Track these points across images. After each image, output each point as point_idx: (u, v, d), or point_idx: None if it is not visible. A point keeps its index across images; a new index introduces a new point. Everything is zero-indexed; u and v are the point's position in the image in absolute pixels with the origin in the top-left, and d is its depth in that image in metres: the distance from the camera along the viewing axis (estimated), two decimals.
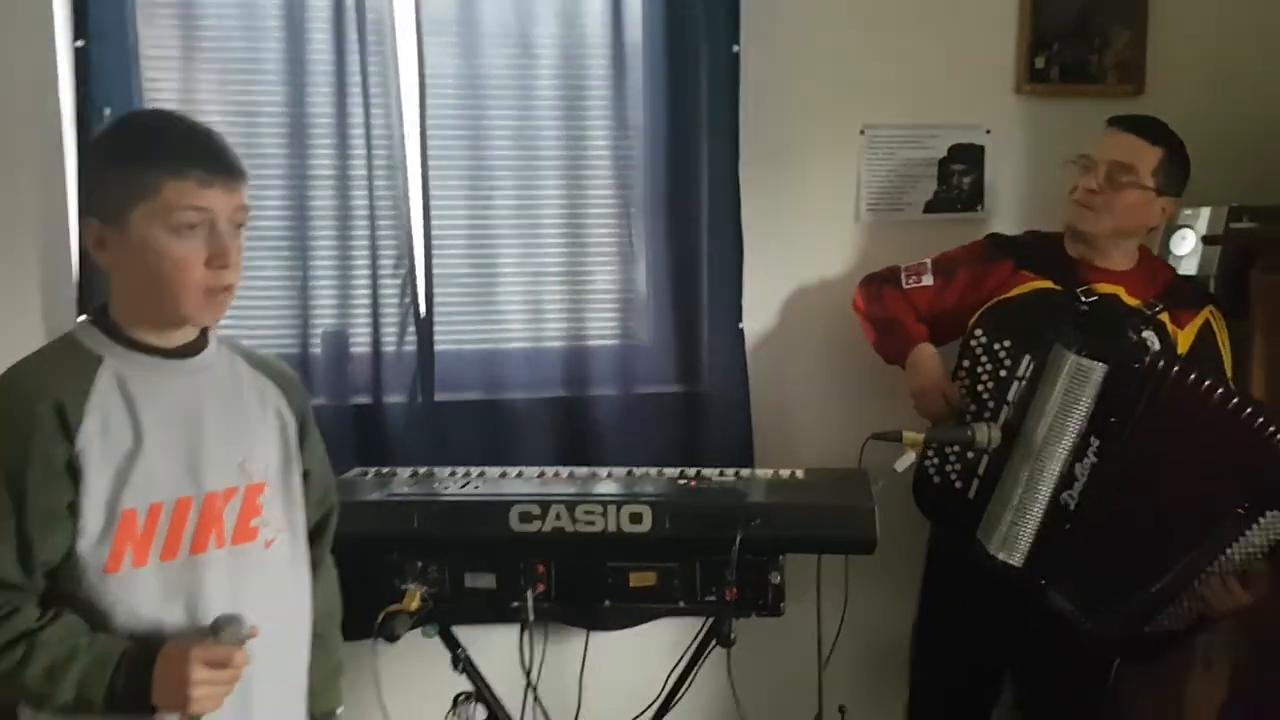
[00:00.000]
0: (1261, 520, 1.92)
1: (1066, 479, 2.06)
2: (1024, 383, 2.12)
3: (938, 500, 2.25)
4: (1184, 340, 2.22)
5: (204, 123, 1.48)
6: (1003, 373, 2.16)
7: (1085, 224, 2.26)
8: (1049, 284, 2.26)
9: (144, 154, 1.38)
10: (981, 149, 2.65)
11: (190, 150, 1.40)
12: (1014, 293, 2.27)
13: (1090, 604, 2.07)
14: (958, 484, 2.21)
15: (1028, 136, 2.69)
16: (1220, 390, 1.97)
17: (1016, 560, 2.09)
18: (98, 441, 1.36)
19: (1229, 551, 1.94)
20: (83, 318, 1.49)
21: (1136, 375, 2.02)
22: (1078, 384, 2.04)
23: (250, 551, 1.48)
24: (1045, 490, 2.07)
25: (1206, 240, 2.43)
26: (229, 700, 1.40)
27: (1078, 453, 2.04)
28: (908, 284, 2.41)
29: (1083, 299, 2.22)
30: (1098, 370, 2.03)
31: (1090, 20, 2.68)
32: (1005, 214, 2.69)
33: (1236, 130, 2.59)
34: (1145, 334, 2.19)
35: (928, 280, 2.39)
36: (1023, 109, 2.64)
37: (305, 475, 1.63)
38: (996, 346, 2.19)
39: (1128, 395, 2.01)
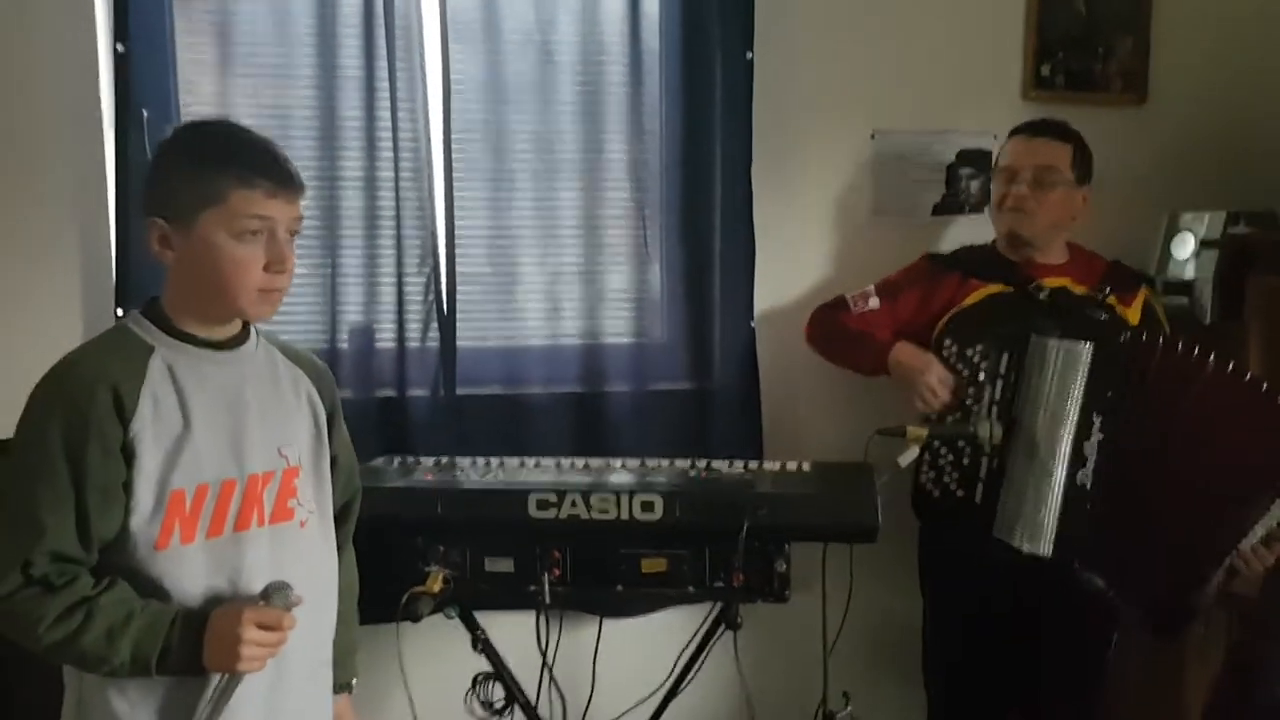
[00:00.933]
0: None
1: (1077, 460, 2.12)
2: (1007, 380, 2.18)
3: (944, 513, 2.30)
4: (1133, 317, 2.33)
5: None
6: (981, 375, 2.23)
7: (1024, 227, 2.37)
8: (1000, 287, 2.34)
9: (216, 163, 1.48)
10: (989, 154, 2.72)
11: (259, 163, 1.50)
12: (970, 300, 2.35)
13: (1123, 581, 2.14)
14: (959, 492, 2.26)
15: None
16: (1215, 358, 2.06)
17: (1045, 549, 2.14)
18: (150, 425, 1.46)
19: (1257, 527, 2.03)
20: (134, 311, 1.58)
21: (1123, 349, 2.10)
22: (1068, 367, 2.11)
23: (287, 531, 1.58)
24: (1059, 474, 2.12)
25: (1204, 244, 2.50)
26: (267, 667, 1.49)
27: (1082, 432, 2.11)
28: (856, 309, 2.48)
29: (1038, 292, 2.29)
30: (1085, 349, 2.10)
31: (1094, 29, 2.76)
32: None
33: (1236, 137, 2.67)
34: (1103, 316, 2.27)
35: (874, 304, 2.46)
36: (1029, 114, 2.68)
37: (333, 461, 1.72)
38: (969, 352, 2.25)
39: (1118, 369, 2.09)
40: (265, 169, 1.49)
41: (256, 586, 1.50)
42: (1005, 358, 2.20)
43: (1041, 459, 2.13)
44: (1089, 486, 2.12)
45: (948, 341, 2.30)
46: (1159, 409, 2.09)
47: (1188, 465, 2.07)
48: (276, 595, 1.48)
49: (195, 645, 1.44)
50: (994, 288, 2.35)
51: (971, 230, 2.65)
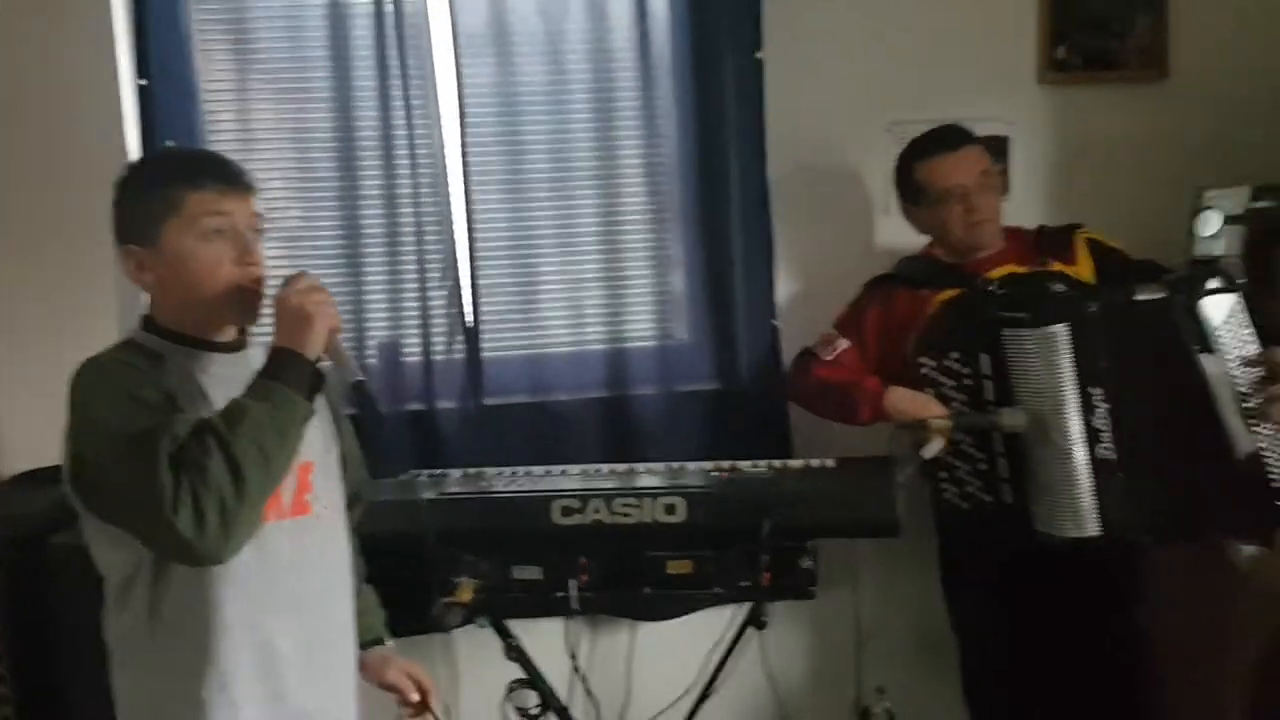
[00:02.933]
0: (1220, 342, 2.04)
1: (1093, 435, 2.09)
2: (995, 379, 2.16)
3: (978, 522, 2.25)
4: (1085, 270, 2.33)
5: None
6: (967, 382, 2.20)
7: (989, 236, 2.38)
8: (952, 291, 2.31)
9: (166, 176, 1.56)
10: (1006, 140, 2.70)
11: (205, 167, 1.59)
12: (930, 313, 2.31)
13: (1188, 525, 2.13)
14: (988, 498, 2.22)
15: (1052, 126, 2.73)
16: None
17: (1094, 530, 2.09)
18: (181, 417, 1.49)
19: (1235, 380, 2.04)
20: (132, 328, 1.61)
21: (1096, 318, 2.09)
22: (1050, 351, 2.08)
23: (305, 524, 1.61)
24: (1081, 454, 2.09)
25: (1229, 220, 2.46)
26: (296, 636, 1.56)
27: (1087, 408, 2.08)
28: (829, 356, 2.43)
29: (989, 287, 2.27)
30: (1060, 331, 2.08)
31: (1110, 8, 2.72)
32: (1032, 203, 2.72)
33: (1260, 111, 2.61)
34: (1057, 287, 2.24)
35: (844, 344, 2.42)
36: (1046, 99, 2.68)
37: (343, 456, 1.76)
38: (948, 363, 2.22)
39: (1096, 337, 2.08)
40: (211, 171, 1.57)
41: (279, 579, 1.54)
42: (985, 358, 2.17)
43: (1057, 445, 2.10)
44: (1115, 458, 2.09)
45: (923, 359, 2.25)
46: (1144, 354, 2.08)
47: (1157, 386, 2.09)
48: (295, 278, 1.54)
49: (287, 355, 1.48)
50: (947, 292, 2.32)
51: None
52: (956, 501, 2.26)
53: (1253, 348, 2.07)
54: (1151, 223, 2.54)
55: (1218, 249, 2.48)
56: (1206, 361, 2.07)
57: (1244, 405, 2.06)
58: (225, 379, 1.56)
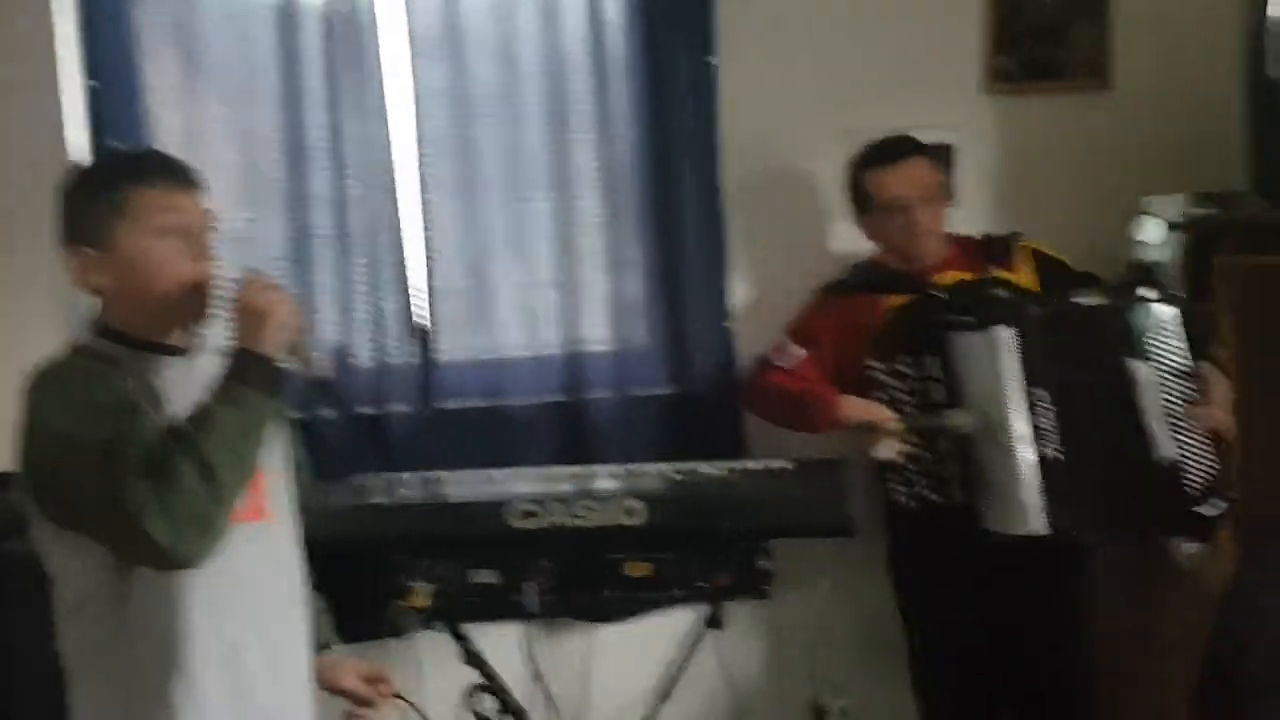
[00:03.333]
0: (1152, 352, 2.13)
1: (1039, 435, 2.14)
2: (945, 381, 2.20)
3: (930, 523, 2.28)
4: (1025, 278, 2.38)
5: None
6: (916, 385, 2.25)
7: (932, 246, 2.42)
8: (900, 298, 2.36)
9: (115, 177, 1.54)
10: (950, 148, 2.73)
11: (152, 165, 1.57)
12: (882, 318, 2.35)
13: (1122, 526, 2.19)
14: (935, 498, 2.25)
15: (997, 134, 2.78)
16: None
17: (1041, 527, 2.13)
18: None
19: (1165, 385, 2.12)
20: (83, 334, 1.58)
21: (1039, 322, 2.15)
22: (994, 354, 2.14)
23: (261, 527, 1.58)
24: (1027, 454, 2.14)
25: (1171, 227, 2.52)
26: (258, 638, 1.55)
27: (1032, 409, 2.13)
28: (785, 364, 2.45)
29: (937, 292, 2.32)
30: (1005, 334, 2.13)
31: (1054, 18, 2.77)
32: (977, 210, 2.76)
33: (1199, 120, 2.67)
34: (1000, 292, 2.31)
35: (799, 351, 2.45)
36: (991, 108, 2.73)
37: (294, 461, 1.74)
38: (897, 367, 2.27)
39: (1038, 340, 2.13)
40: (158, 168, 1.55)
41: (240, 583, 1.53)
42: (933, 361, 2.22)
43: (1004, 445, 2.14)
44: (1060, 457, 2.14)
45: (873, 363, 2.29)
46: (1084, 363, 2.14)
47: (1093, 390, 2.16)
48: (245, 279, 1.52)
49: (246, 357, 1.46)
50: (896, 298, 2.37)
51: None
52: (906, 502, 2.28)
53: (1184, 360, 2.15)
54: (1094, 229, 2.59)
55: (1158, 255, 2.55)
56: (1136, 367, 2.13)
57: (1169, 414, 2.13)
58: (180, 382, 1.54)
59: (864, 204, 2.48)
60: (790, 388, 2.41)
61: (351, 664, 1.84)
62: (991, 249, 2.45)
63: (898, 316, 2.34)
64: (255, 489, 1.58)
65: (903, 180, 2.40)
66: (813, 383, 2.39)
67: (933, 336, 2.22)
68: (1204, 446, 2.16)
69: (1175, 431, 2.15)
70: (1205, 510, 2.17)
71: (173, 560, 1.39)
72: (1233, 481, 2.19)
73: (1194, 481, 2.16)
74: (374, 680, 1.81)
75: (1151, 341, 2.14)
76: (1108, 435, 2.16)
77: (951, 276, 2.38)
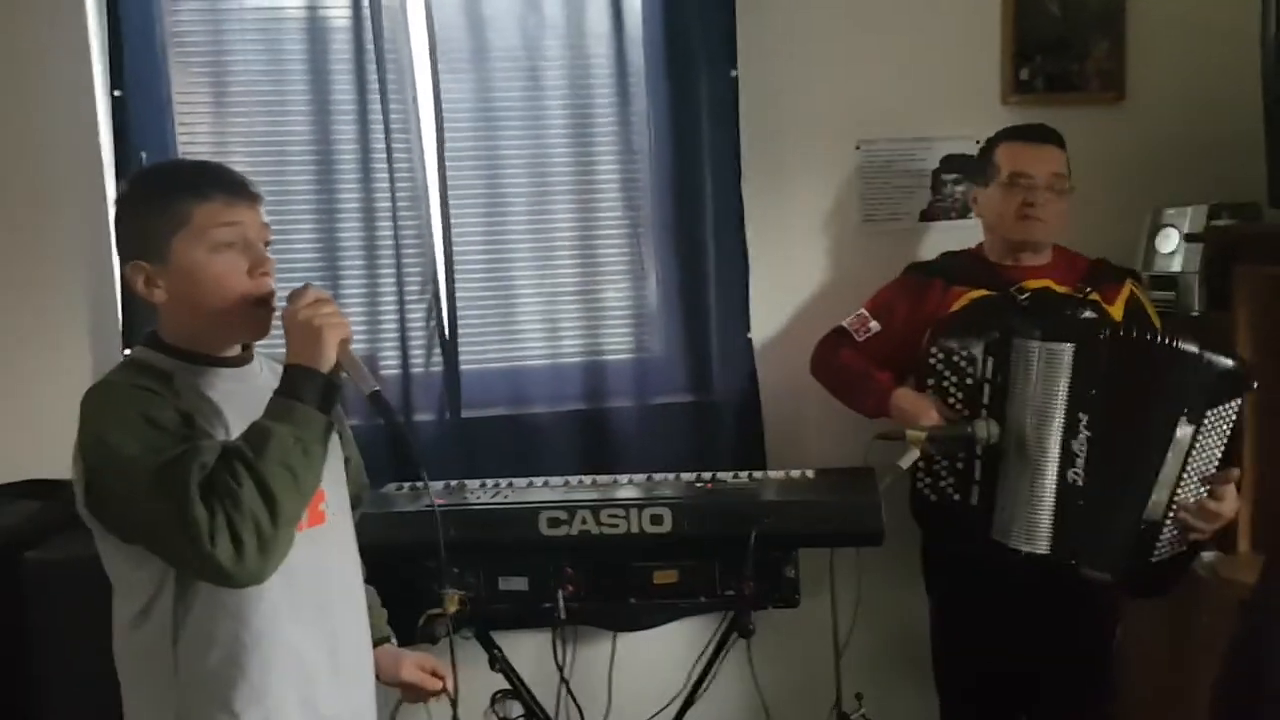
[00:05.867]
0: (1205, 423, 2.07)
1: (1068, 459, 2.15)
2: (994, 383, 2.22)
3: (944, 517, 2.33)
4: (1116, 313, 2.37)
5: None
6: (969, 380, 2.26)
7: (1040, 234, 2.40)
8: (983, 291, 2.38)
9: (172, 190, 1.54)
10: (971, 158, 2.77)
11: (209, 178, 1.57)
12: (955, 306, 2.39)
13: (1123, 567, 2.17)
14: (956, 496, 2.28)
15: None
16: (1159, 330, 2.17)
17: (1043, 548, 2.16)
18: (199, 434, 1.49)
19: (1189, 464, 2.09)
20: (138, 346, 1.61)
21: (1102, 346, 2.14)
22: (1051, 368, 2.14)
23: (321, 532, 1.62)
24: (1051, 473, 2.15)
25: (1189, 238, 2.55)
26: (320, 643, 1.59)
27: (1070, 431, 2.14)
28: (861, 337, 2.50)
29: (1019, 295, 2.34)
30: (1066, 350, 2.13)
31: (1071, 32, 2.82)
32: None
33: (1214, 131, 2.71)
34: (1085, 314, 2.31)
35: (875, 326, 2.49)
36: (1009, 119, 2.74)
37: (346, 461, 1.79)
38: (956, 359, 2.28)
39: (1100, 367, 2.13)
40: (216, 181, 1.56)
41: (302, 589, 1.55)
42: (990, 361, 2.23)
43: (1032, 459, 2.16)
44: (1080, 484, 2.15)
45: (934, 350, 2.31)
46: (1137, 400, 2.13)
47: (1134, 429, 2.13)
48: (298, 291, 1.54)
49: (300, 372, 1.48)
50: (977, 292, 2.38)
51: (958, 235, 2.69)
52: (927, 493, 2.33)
53: (1219, 450, 2.12)
54: (1110, 239, 2.61)
55: (1175, 266, 2.58)
56: (1182, 428, 2.10)
57: (1177, 488, 2.11)
58: (236, 394, 1.56)
59: (988, 175, 2.47)
60: (854, 367, 2.46)
61: (410, 656, 1.89)
62: (1098, 275, 2.42)
63: (971, 309, 2.36)
64: (315, 494, 1.61)
65: (1036, 159, 2.40)
66: (875, 367, 2.43)
67: (999, 337, 2.22)
68: (1180, 529, 2.15)
69: (1171, 506, 2.13)
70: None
71: (236, 579, 1.41)
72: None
73: (1160, 549, 2.16)
74: (431, 671, 1.87)
75: (1208, 415, 2.10)
76: (1126, 475, 2.15)
77: (1042, 283, 2.38)
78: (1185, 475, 2.11)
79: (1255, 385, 2.15)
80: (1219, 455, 2.13)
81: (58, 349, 2.51)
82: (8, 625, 2.20)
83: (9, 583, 2.20)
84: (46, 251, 2.52)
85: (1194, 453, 2.11)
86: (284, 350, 1.54)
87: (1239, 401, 2.12)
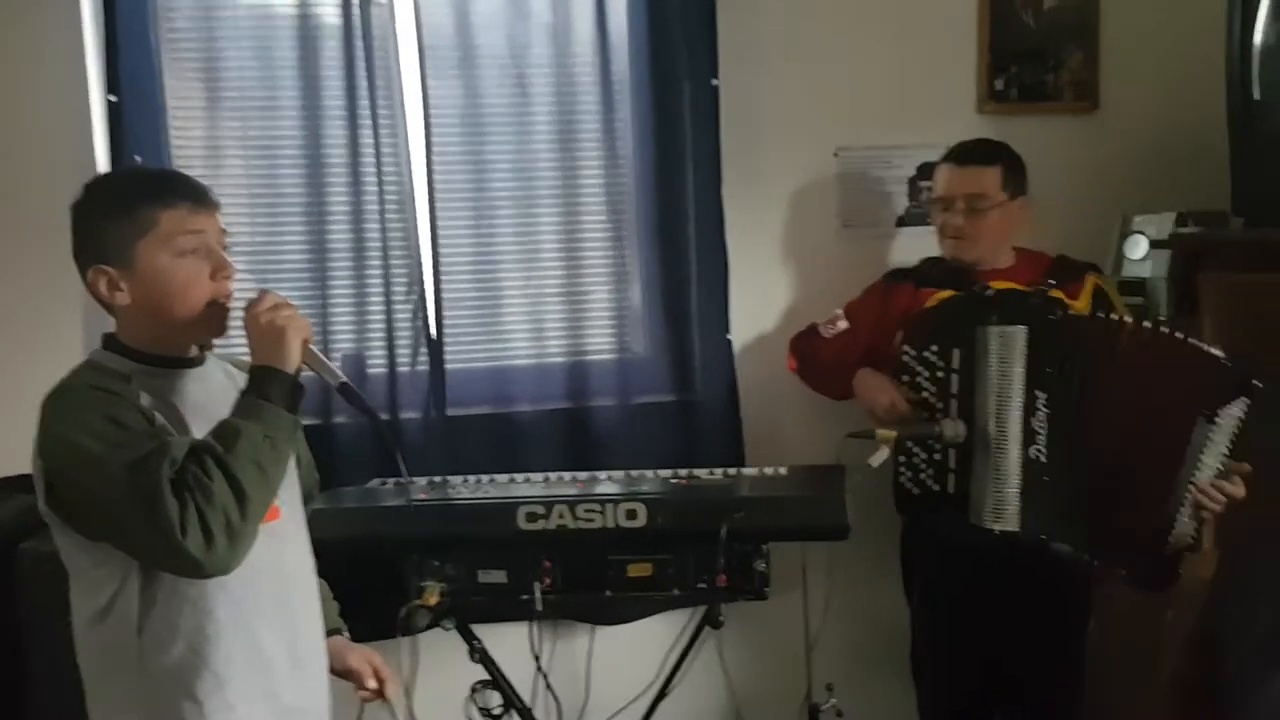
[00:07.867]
0: (1218, 420, 2.10)
1: (1029, 436, 2.21)
2: (962, 374, 2.29)
3: (926, 509, 2.40)
4: (1083, 306, 2.43)
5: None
6: (939, 374, 2.33)
7: (965, 252, 2.49)
8: (951, 292, 2.45)
9: (136, 196, 1.57)
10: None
11: (173, 186, 1.61)
12: (923, 307, 2.46)
13: (1100, 544, 2.23)
14: (935, 487, 2.36)
15: None
16: (1135, 320, 2.20)
17: (1013, 525, 2.22)
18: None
19: (1203, 458, 2.12)
20: (95, 349, 1.63)
21: (1056, 327, 2.22)
22: (1007, 349, 2.21)
23: (276, 527, 1.65)
24: (1014, 452, 2.21)
25: (1156, 245, 2.61)
26: (279, 634, 1.63)
27: (1029, 410, 2.20)
28: (828, 334, 2.61)
29: (984, 291, 2.41)
30: (1020, 332, 2.21)
31: (1045, 43, 2.88)
32: None
33: (1184, 141, 2.77)
34: (1034, 300, 2.36)
35: (843, 325, 2.59)
36: (984, 127, 2.81)
37: (297, 459, 1.79)
38: (926, 353, 2.36)
39: (1054, 347, 2.20)
40: (180, 189, 1.59)
41: (260, 582, 1.59)
42: (956, 353, 2.30)
43: (995, 440, 2.22)
44: (1043, 460, 2.21)
45: (905, 347, 2.40)
46: (1094, 376, 2.19)
47: (1123, 419, 2.16)
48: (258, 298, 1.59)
49: (267, 373, 1.53)
50: (946, 292, 2.46)
51: (934, 241, 2.71)
52: (909, 485, 2.40)
53: (1230, 447, 2.14)
54: (1081, 245, 2.66)
55: (1144, 271, 2.64)
56: (1201, 426, 2.11)
57: (1190, 481, 2.14)
58: (192, 394, 1.61)
59: (928, 202, 2.60)
60: (826, 356, 2.58)
61: (362, 650, 1.92)
62: (1061, 270, 2.49)
63: (940, 307, 2.44)
64: None
65: (957, 181, 2.48)
66: (841, 355, 2.55)
67: (964, 329, 2.29)
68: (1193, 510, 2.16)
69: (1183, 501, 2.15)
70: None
71: (206, 571, 1.47)
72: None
73: (1171, 542, 2.19)
74: (377, 672, 1.89)
75: (1219, 415, 2.12)
76: (1123, 462, 2.17)
77: (1005, 284, 2.45)
78: (1201, 467, 2.13)
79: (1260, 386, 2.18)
80: (1225, 451, 2.15)
81: (53, 347, 2.55)
82: (3, 615, 2.26)
83: (4, 573, 2.26)
84: (42, 252, 2.56)
85: (1208, 448, 2.13)
86: (239, 350, 1.59)
87: (1246, 401, 2.13)
